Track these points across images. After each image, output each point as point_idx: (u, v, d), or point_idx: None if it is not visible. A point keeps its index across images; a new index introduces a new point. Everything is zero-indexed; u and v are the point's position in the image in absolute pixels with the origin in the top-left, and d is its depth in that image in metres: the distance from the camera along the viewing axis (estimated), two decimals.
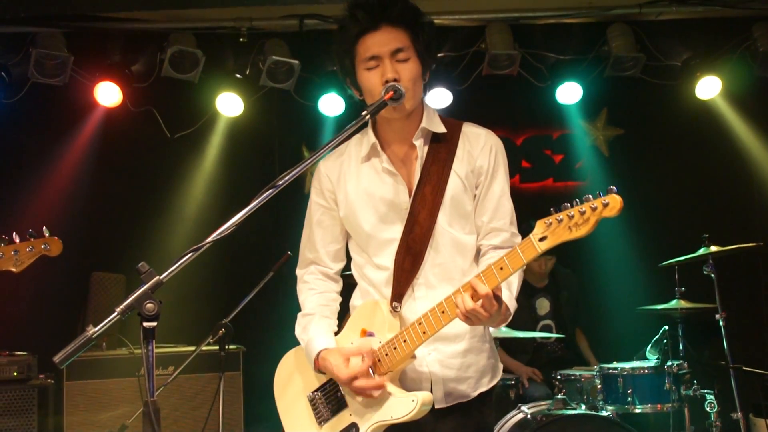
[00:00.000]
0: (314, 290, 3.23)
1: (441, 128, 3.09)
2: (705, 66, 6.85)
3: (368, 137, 3.11)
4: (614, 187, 2.54)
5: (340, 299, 3.27)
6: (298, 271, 3.31)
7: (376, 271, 3.11)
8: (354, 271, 3.23)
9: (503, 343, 6.27)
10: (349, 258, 3.28)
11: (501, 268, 2.71)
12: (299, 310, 3.25)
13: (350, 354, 2.98)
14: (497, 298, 2.76)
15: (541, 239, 2.65)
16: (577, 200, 2.59)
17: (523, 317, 6.28)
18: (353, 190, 3.13)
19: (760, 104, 7.13)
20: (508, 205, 3.11)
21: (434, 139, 3.10)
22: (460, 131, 3.12)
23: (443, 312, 2.84)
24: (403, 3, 3.01)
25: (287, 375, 3.30)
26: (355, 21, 2.97)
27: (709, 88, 6.91)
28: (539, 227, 2.66)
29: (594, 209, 2.55)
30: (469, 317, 2.75)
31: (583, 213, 2.57)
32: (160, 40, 6.49)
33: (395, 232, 3.06)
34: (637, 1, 6.47)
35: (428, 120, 3.09)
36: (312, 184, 3.24)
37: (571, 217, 2.59)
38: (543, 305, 6.51)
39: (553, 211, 2.64)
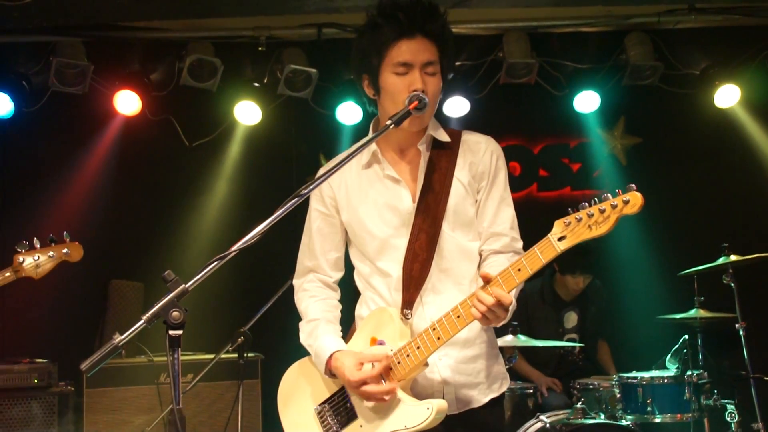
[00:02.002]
0: (316, 297, 3.22)
1: (445, 137, 3.12)
2: (724, 74, 6.84)
3: (369, 145, 3.08)
4: (634, 185, 2.55)
5: (340, 307, 3.25)
6: (296, 281, 3.30)
7: (381, 279, 3.11)
8: (357, 280, 3.22)
9: (525, 353, 6.27)
10: (350, 268, 3.27)
11: (519, 270, 2.71)
12: None
13: (364, 359, 2.96)
14: None
15: (561, 239, 2.65)
16: (596, 199, 2.59)
17: (550, 330, 6.31)
18: (356, 197, 3.13)
19: None
20: (508, 210, 3.13)
21: (436, 146, 3.11)
22: (460, 139, 3.14)
23: (459, 316, 2.83)
24: (442, 20, 3.03)
25: (292, 388, 3.26)
26: (395, 23, 2.97)
27: (728, 96, 6.89)
28: (558, 227, 2.66)
29: (614, 207, 2.55)
30: (488, 316, 2.74)
31: (603, 211, 2.57)
32: (179, 49, 6.53)
33: (400, 238, 3.06)
34: (656, 9, 6.47)
35: (434, 128, 3.11)
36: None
37: (590, 216, 2.59)
38: (571, 318, 6.49)
39: (571, 211, 2.63)
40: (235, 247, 2.51)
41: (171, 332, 2.32)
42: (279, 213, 2.59)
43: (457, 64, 6.70)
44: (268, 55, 6.62)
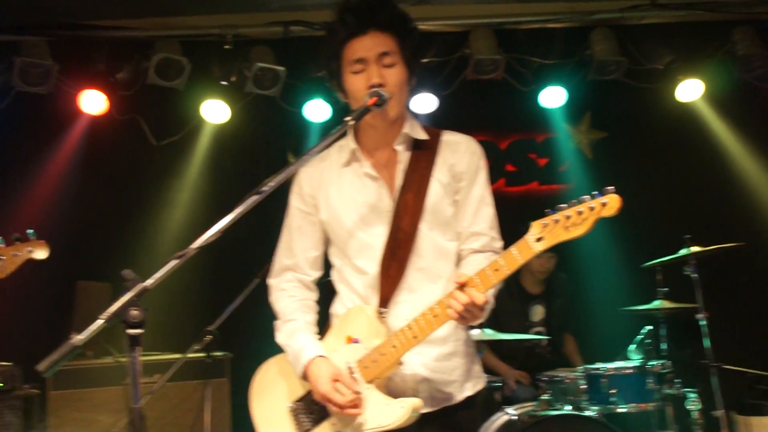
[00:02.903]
0: (294, 297, 3.21)
1: (423, 135, 3.12)
2: (686, 69, 6.93)
3: (348, 143, 3.12)
4: (612, 187, 2.57)
5: (317, 308, 3.24)
6: (273, 280, 3.27)
7: (358, 276, 3.11)
8: (334, 278, 3.22)
9: (493, 347, 6.32)
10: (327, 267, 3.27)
11: (496, 270, 2.72)
12: None
13: (341, 378, 2.95)
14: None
15: (538, 239, 2.66)
16: (574, 201, 2.62)
17: (516, 323, 6.34)
18: (335, 194, 3.13)
19: (741, 106, 7.21)
20: (488, 210, 3.13)
21: (415, 146, 3.12)
22: (440, 139, 3.15)
23: (436, 316, 2.83)
24: (392, 9, 3.03)
25: (265, 384, 3.25)
26: (344, 24, 2.98)
27: (690, 90, 6.99)
28: (535, 228, 2.67)
29: (592, 209, 2.57)
30: (464, 315, 2.76)
31: (581, 213, 2.59)
32: (145, 48, 6.51)
33: (378, 235, 3.06)
34: (620, 5, 6.54)
35: (410, 127, 3.12)
36: (292, 190, 3.22)
37: (568, 218, 2.61)
38: (537, 312, 6.54)
39: (548, 213, 2.65)
40: (195, 245, 2.51)
41: (130, 331, 2.31)
42: (239, 210, 2.60)
43: (425, 60, 6.71)
44: (235, 54, 6.62)
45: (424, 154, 3.11)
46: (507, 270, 2.72)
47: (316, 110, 6.74)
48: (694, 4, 6.47)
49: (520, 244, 2.70)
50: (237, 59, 6.62)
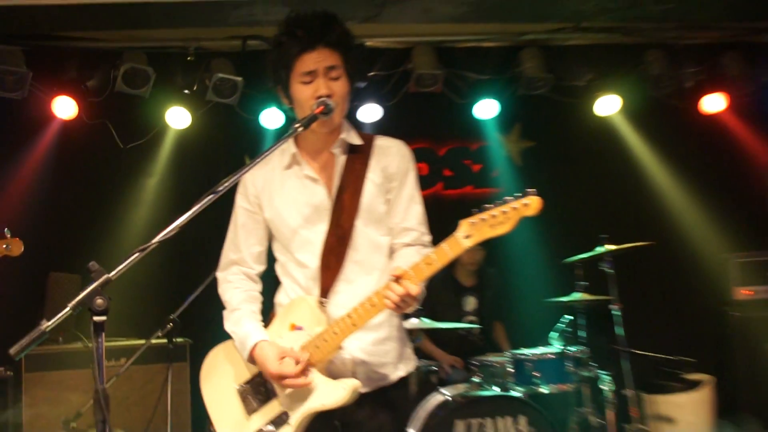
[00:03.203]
0: (239, 288, 3.19)
1: (358, 141, 3.13)
2: (605, 86, 7.02)
3: (289, 147, 3.12)
4: (534, 189, 2.62)
5: (261, 299, 3.23)
6: (220, 273, 3.26)
7: (300, 269, 3.10)
8: (278, 270, 3.21)
9: (430, 335, 6.34)
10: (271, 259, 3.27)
11: (429, 263, 2.75)
12: None
13: (286, 353, 2.95)
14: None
15: (467, 236, 2.69)
16: (499, 201, 2.65)
17: (451, 313, 6.35)
18: (278, 195, 3.13)
19: (652, 120, 7.32)
20: (417, 207, 3.15)
21: (351, 150, 3.13)
22: (373, 143, 3.16)
23: (373, 305, 2.85)
24: (340, 28, 3.03)
25: (214, 368, 3.23)
26: (296, 39, 2.96)
27: (608, 105, 7.08)
28: (464, 226, 2.70)
29: (515, 209, 2.62)
30: (399, 305, 2.78)
31: (505, 212, 2.63)
32: (114, 58, 6.41)
33: (318, 232, 3.06)
34: (546, 27, 6.58)
35: (347, 133, 3.13)
36: (238, 191, 3.20)
37: (494, 217, 2.64)
38: (470, 302, 6.56)
39: (475, 212, 2.68)
40: (155, 240, 2.49)
41: (95, 318, 2.30)
42: (196, 208, 2.59)
43: (371, 74, 6.73)
44: (197, 65, 6.55)
45: (359, 157, 3.12)
46: (439, 263, 2.75)
47: (271, 118, 6.71)
48: (612, 28, 6.52)
49: (451, 241, 2.73)
50: (198, 70, 6.55)
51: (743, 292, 6.95)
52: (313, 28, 2.97)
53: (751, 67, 6.85)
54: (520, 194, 2.64)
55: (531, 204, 2.62)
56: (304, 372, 2.92)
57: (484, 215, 2.67)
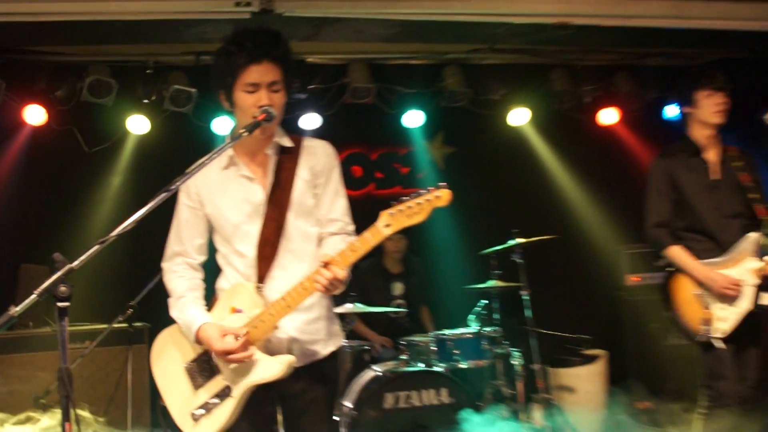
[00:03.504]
0: (183, 277, 3.16)
1: (288, 143, 3.14)
2: (516, 100, 7.08)
3: (227, 150, 3.09)
4: (444, 183, 2.66)
5: (204, 286, 3.21)
6: (165, 264, 3.22)
7: (239, 258, 3.09)
8: (219, 259, 3.20)
9: (362, 318, 6.34)
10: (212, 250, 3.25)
11: (353, 250, 2.78)
12: None
13: (227, 331, 2.94)
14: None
15: (386, 225, 2.72)
16: (414, 194, 2.68)
17: (381, 298, 6.38)
18: (217, 193, 3.11)
19: (557, 130, 7.42)
20: (341, 201, 3.17)
21: (282, 151, 3.13)
22: (302, 145, 3.17)
23: (305, 288, 2.87)
24: (284, 46, 3.03)
25: (163, 350, 3.20)
26: (245, 50, 2.94)
27: (519, 117, 7.15)
28: (384, 216, 2.73)
29: (429, 200, 2.65)
30: (329, 287, 2.80)
31: (420, 204, 2.67)
32: (80, 71, 6.27)
33: (254, 225, 3.06)
34: (465, 48, 6.59)
35: (279, 136, 3.13)
36: (180, 189, 3.16)
37: (410, 207, 2.68)
38: (397, 288, 6.57)
39: (394, 204, 2.71)
40: (114, 233, 2.49)
41: (59, 304, 2.29)
42: (151, 204, 2.59)
43: (311, 87, 6.68)
44: (155, 77, 6.43)
45: (289, 157, 3.12)
46: (362, 250, 2.78)
47: (222, 125, 6.62)
48: (522, 50, 6.56)
49: (372, 229, 2.76)
50: (157, 82, 6.44)
51: (632, 279, 7.08)
52: (260, 43, 2.96)
53: (639, 86, 6.98)
54: (434, 187, 2.67)
55: (442, 196, 2.67)
56: (244, 347, 2.91)
57: (402, 206, 2.70)
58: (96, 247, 2.42)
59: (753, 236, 4.22)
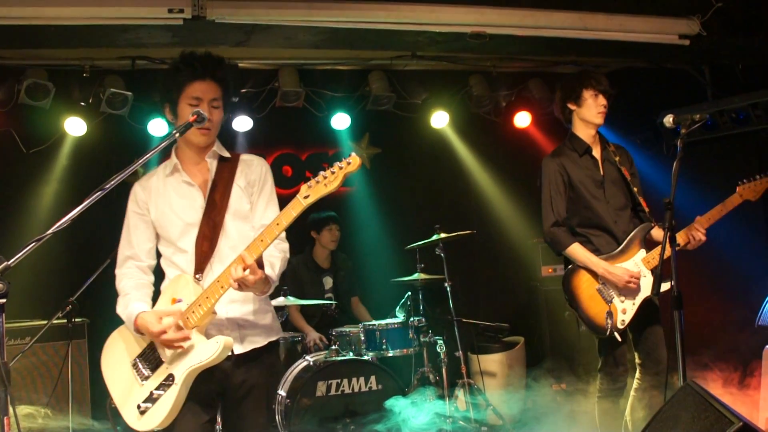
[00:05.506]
0: (132, 278, 3.20)
1: (226, 154, 3.27)
2: (437, 104, 7.16)
3: (171, 159, 3.23)
4: (354, 152, 2.72)
5: (152, 288, 3.24)
6: (117, 270, 3.25)
7: (180, 255, 3.16)
8: (162, 264, 3.24)
9: (300, 309, 6.29)
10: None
11: (278, 224, 2.82)
12: None
13: (162, 314, 2.98)
14: (261, 267, 2.90)
15: (305, 197, 2.77)
16: (329, 165, 2.73)
17: (314, 290, 6.36)
18: (162, 198, 3.19)
19: (475, 132, 7.53)
20: (274, 208, 3.25)
21: (221, 160, 3.24)
22: (239, 158, 3.29)
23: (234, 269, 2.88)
24: (227, 68, 3.17)
25: (112, 350, 3.22)
26: (192, 68, 3.08)
27: (440, 120, 7.23)
28: (303, 189, 2.78)
29: (341, 168, 2.71)
30: (240, 285, 2.85)
31: (333, 173, 2.71)
32: (18, 74, 6.09)
33: (195, 225, 3.14)
34: (389, 55, 6.61)
35: (218, 148, 3.26)
36: (129, 199, 3.24)
37: (325, 177, 2.72)
38: (327, 282, 6.54)
39: (312, 177, 2.76)
40: (50, 230, 2.49)
41: None
42: (86, 203, 2.60)
43: (243, 91, 6.64)
44: (92, 80, 6.29)
45: (227, 166, 3.23)
46: (285, 222, 2.82)
47: (157, 127, 6.51)
48: (442, 57, 6.62)
49: (293, 203, 2.81)
50: (93, 85, 6.30)
51: (548, 270, 7.22)
52: (206, 63, 3.11)
53: (550, 92, 7.10)
54: (345, 158, 2.73)
55: (353, 162, 2.72)
56: (179, 327, 2.95)
57: (318, 178, 2.75)
58: (32, 245, 2.38)
59: (640, 227, 4.39)
